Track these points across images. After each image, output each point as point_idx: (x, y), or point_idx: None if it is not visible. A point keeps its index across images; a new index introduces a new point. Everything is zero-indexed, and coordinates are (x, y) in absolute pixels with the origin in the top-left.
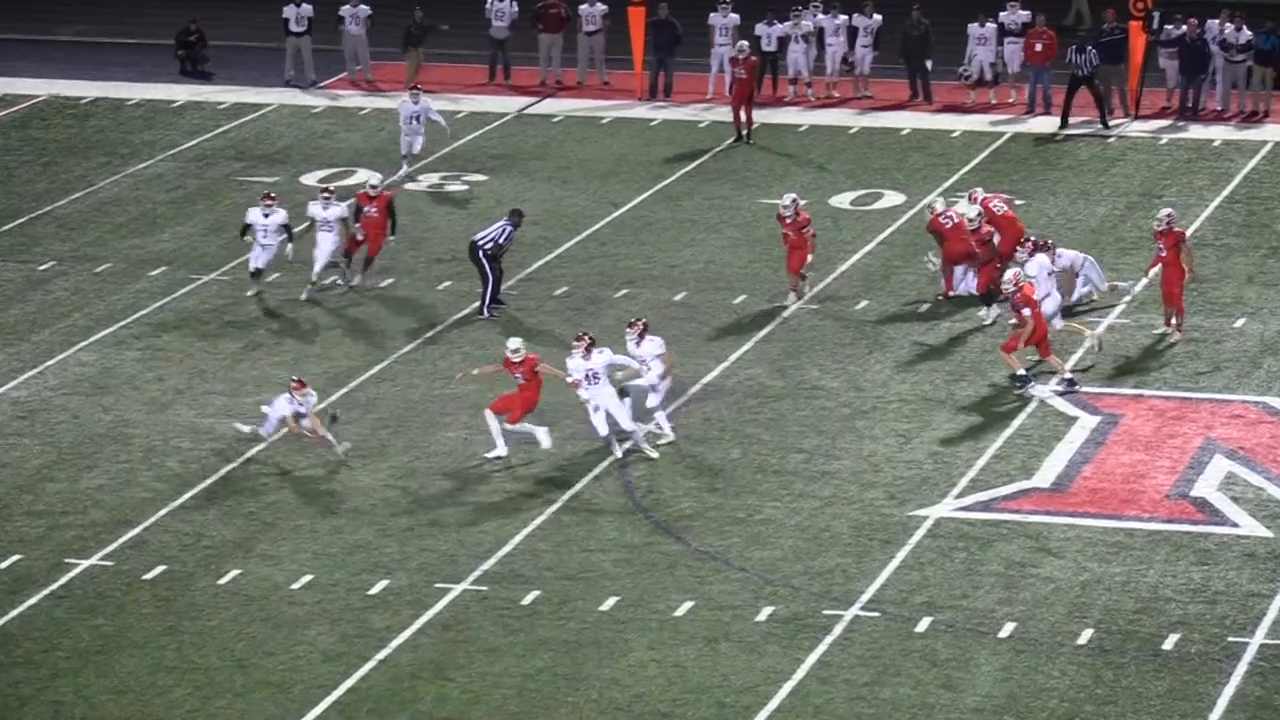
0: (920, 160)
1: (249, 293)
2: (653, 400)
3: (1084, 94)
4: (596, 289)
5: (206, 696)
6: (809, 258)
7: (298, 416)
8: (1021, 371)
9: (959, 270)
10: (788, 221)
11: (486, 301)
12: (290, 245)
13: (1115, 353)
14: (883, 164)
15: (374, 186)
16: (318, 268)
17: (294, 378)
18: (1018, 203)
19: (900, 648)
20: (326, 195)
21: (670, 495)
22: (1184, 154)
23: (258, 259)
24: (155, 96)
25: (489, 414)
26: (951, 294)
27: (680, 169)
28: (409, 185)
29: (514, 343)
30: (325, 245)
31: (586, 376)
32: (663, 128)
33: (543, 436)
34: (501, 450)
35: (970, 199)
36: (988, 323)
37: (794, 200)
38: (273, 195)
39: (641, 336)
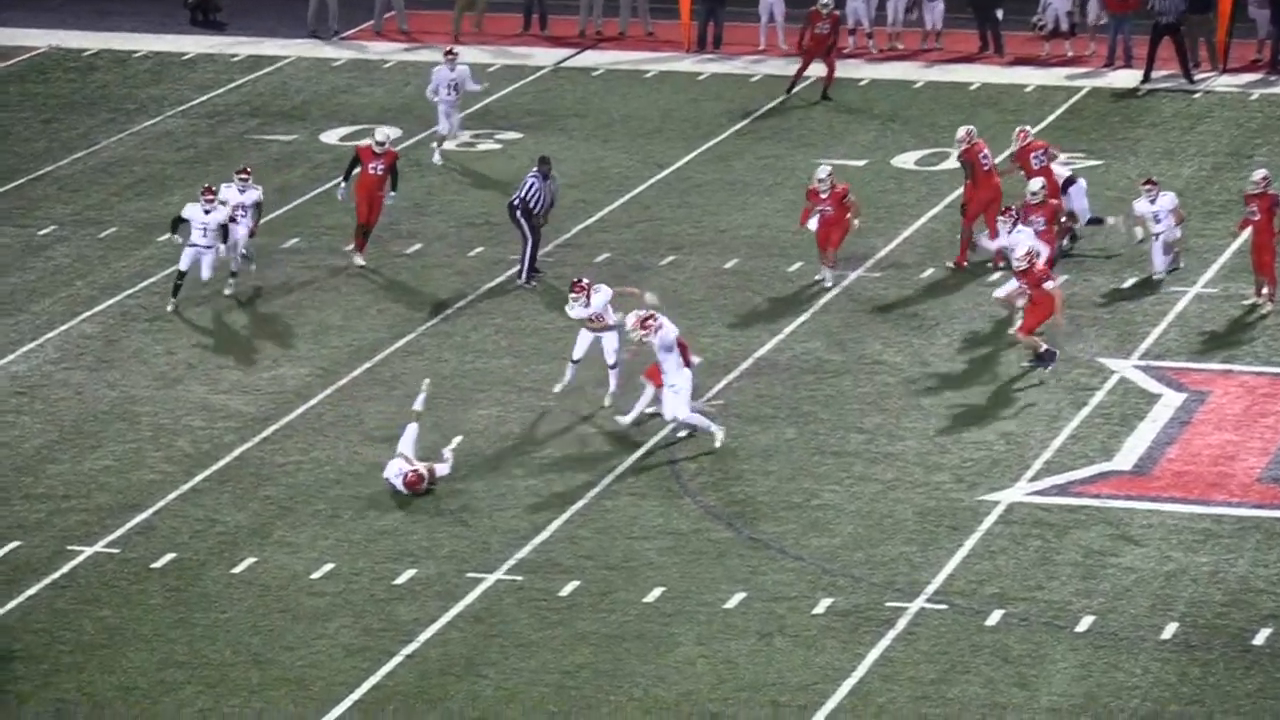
0: (991, 117)
1: (168, 307)
2: (610, 356)
3: (1168, 45)
4: (640, 256)
5: (220, 694)
6: (855, 222)
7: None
8: (1044, 348)
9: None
10: (823, 196)
11: (525, 267)
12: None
13: (1197, 325)
14: (950, 121)
15: (381, 143)
16: (235, 262)
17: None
18: (1093, 163)
19: (969, 643)
20: (244, 177)
21: (721, 478)
22: (1276, 110)
23: (190, 262)
24: (164, 49)
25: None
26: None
27: (730, 126)
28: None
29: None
30: (237, 234)
31: (592, 319)
32: (711, 82)
33: (717, 431)
34: (635, 415)
35: (1017, 136)
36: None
37: (829, 173)
38: (214, 189)
39: (589, 296)
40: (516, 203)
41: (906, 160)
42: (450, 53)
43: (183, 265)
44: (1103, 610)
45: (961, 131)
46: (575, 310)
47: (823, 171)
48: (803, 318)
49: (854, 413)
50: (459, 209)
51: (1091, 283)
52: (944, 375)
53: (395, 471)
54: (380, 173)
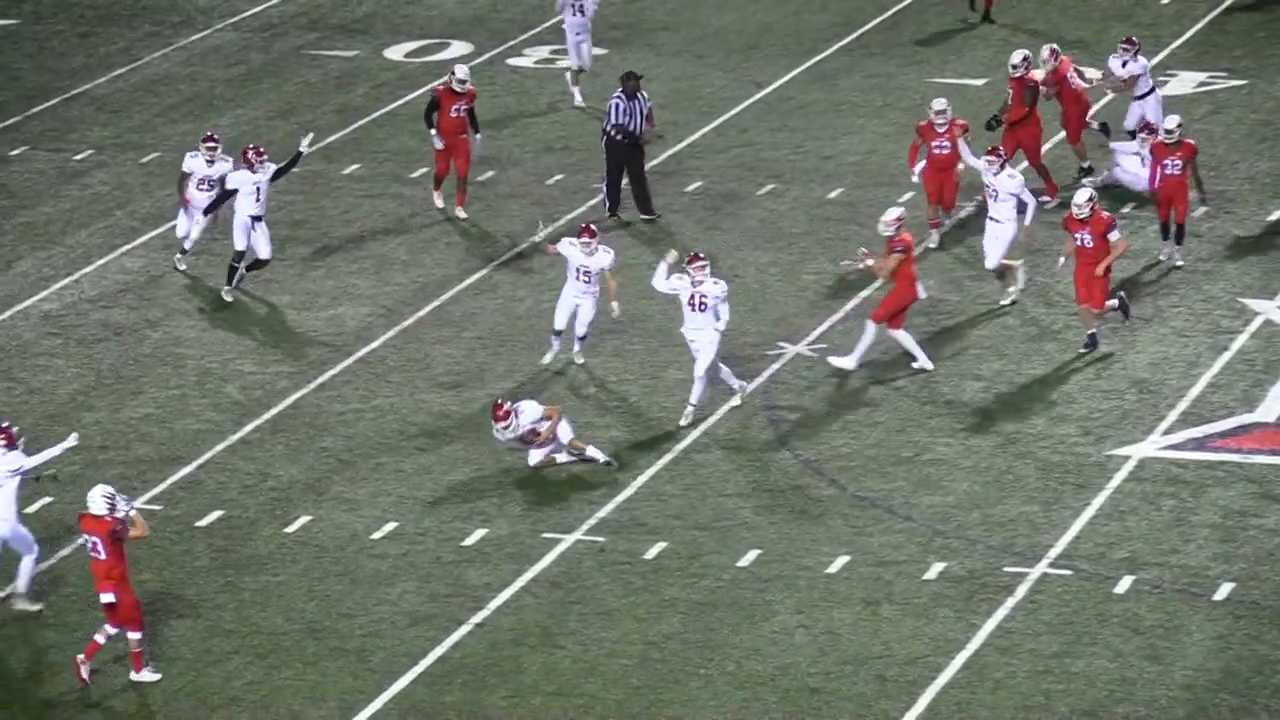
0: (1123, 31)
1: (180, 266)
2: (581, 328)
3: None
4: (736, 184)
5: (271, 666)
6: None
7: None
8: (1115, 300)
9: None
10: (940, 130)
11: (609, 205)
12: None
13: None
14: (1079, 35)
15: (462, 81)
16: (189, 241)
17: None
18: (1236, 83)
19: (1096, 612)
20: (211, 145)
21: (823, 430)
22: None
23: (189, 226)
24: None
25: (901, 334)
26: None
27: (836, 41)
28: (514, 60)
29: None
30: (198, 225)
31: (579, 273)
32: None
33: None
34: (926, 363)
35: (1050, 54)
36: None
37: (948, 105)
38: (215, 137)
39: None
40: (610, 130)
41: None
42: None
43: (238, 243)
44: (1243, 577)
45: (1018, 56)
46: (503, 435)
47: (940, 103)
48: (1048, 203)
49: (970, 358)
50: (536, 133)
51: (1234, 214)
52: (1071, 317)
53: (531, 418)
54: (463, 114)
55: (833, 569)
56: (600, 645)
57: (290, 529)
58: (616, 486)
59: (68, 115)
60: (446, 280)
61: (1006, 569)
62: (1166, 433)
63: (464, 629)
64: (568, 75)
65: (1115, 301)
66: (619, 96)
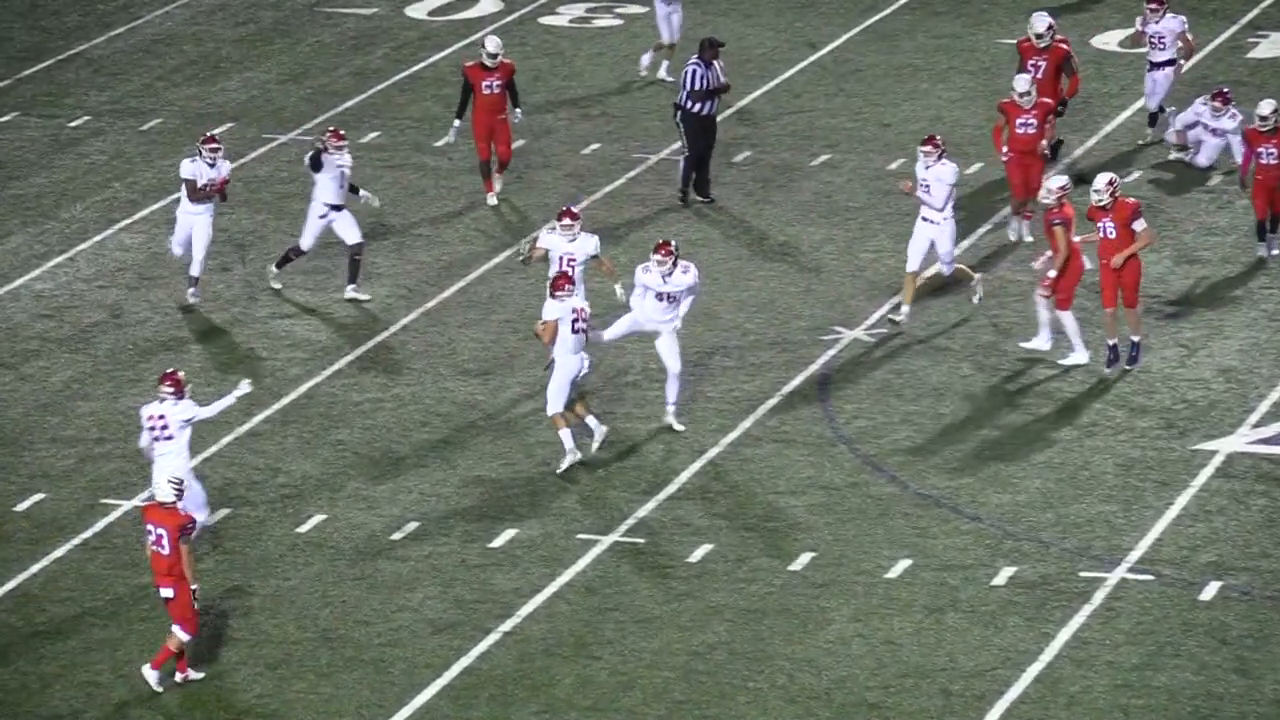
0: None
1: (193, 298)
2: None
3: None
4: (788, 155)
5: (282, 677)
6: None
7: None
8: (1111, 341)
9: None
10: (1026, 109)
11: (682, 182)
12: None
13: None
14: None
15: (494, 55)
16: (196, 265)
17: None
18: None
19: (1180, 621)
20: (213, 147)
21: (883, 421)
22: None
23: (183, 243)
24: None
25: (1066, 315)
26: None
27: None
28: (546, 19)
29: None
30: (203, 230)
31: (564, 263)
32: None
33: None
34: (1082, 355)
35: (1048, 29)
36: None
37: (1033, 80)
38: (216, 138)
39: (673, 265)
40: (685, 102)
41: (1108, 40)
42: None
43: (305, 243)
44: None
45: (1043, 25)
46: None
47: (1021, 81)
48: (984, 228)
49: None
50: (571, 98)
51: None
52: (1152, 300)
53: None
54: (497, 90)
55: (893, 573)
56: (640, 656)
57: (303, 529)
58: (658, 483)
59: (62, 78)
60: (473, 258)
61: (1082, 574)
62: (1256, 425)
63: (491, 638)
64: (647, 55)
65: (1112, 342)
66: (696, 63)
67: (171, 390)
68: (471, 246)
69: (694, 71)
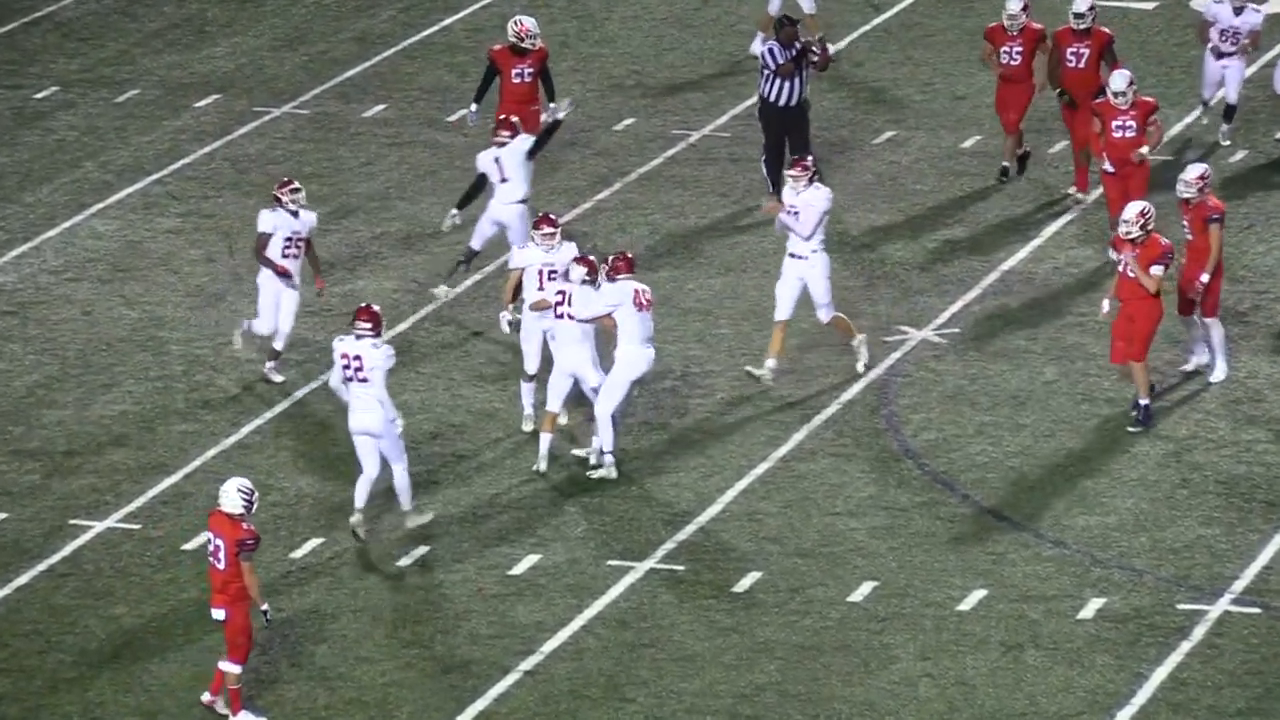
0: None
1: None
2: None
3: None
4: (847, 131)
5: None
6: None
7: None
8: (1143, 401)
9: None
10: (1125, 108)
11: (769, 184)
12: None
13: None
14: None
15: (533, 36)
16: (281, 339)
17: None
18: None
19: None
20: (295, 190)
21: (954, 434)
22: None
23: (270, 325)
24: None
25: (1214, 323)
26: None
27: None
28: None
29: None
30: (289, 304)
31: (543, 272)
32: None
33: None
34: (1223, 370)
35: (1023, 9)
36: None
37: (1130, 82)
38: (294, 182)
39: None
40: (770, 95)
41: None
42: None
43: (476, 243)
44: None
45: (1017, 5)
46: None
47: (1120, 80)
48: (1067, 217)
49: None
50: (602, 66)
51: None
52: (1258, 295)
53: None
54: (529, 79)
55: (966, 605)
56: (679, 698)
57: (297, 554)
58: (699, 503)
59: (27, 44)
60: (492, 249)
61: (1180, 606)
62: None
63: (510, 678)
64: (758, 41)
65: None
66: (771, 45)
67: (369, 327)
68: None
69: (770, 52)
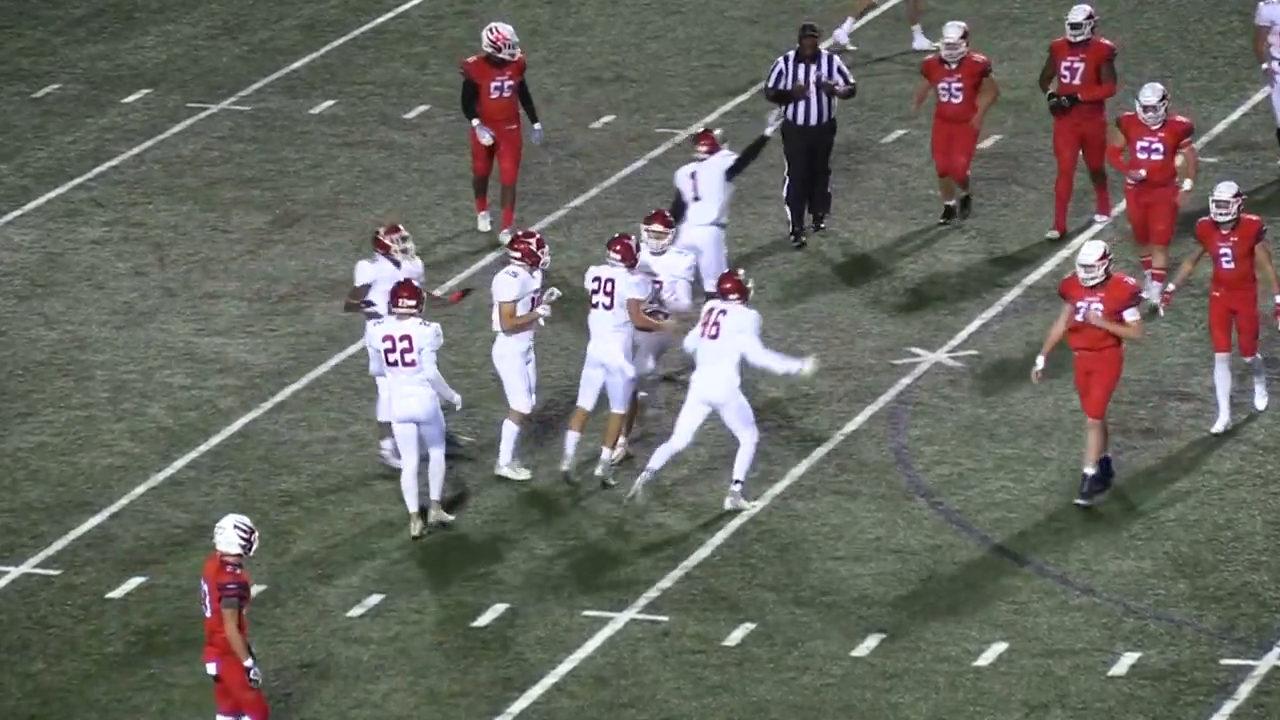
0: None
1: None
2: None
3: None
4: (853, 130)
5: None
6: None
7: None
8: (1089, 467)
9: None
10: (1154, 128)
11: (791, 217)
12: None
13: None
14: None
15: (512, 46)
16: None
17: None
18: None
19: None
20: (403, 237)
21: (971, 468)
22: None
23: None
24: None
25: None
26: None
27: None
28: None
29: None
30: (427, 381)
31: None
32: None
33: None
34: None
35: (962, 36)
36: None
37: (964, 33)
38: (401, 229)
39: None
40: (792, 114)
41: None
42: None
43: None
44: None
45: (956, 33)
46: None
47: (1152, 93)
48: (1098, 226)
49: (1174, 371)
50: (577, 57)
51: None
52: None
53: None
54: (508, 95)
55: (984, 660)
56: None
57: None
58: (688, 546)
59: None
60: (452, 261)
61: (1224, 661)
62: None
63: None
64: (845, 25)
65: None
66: (785, 58)
67: (413, 305)
68: (451, 246)
69: (774, 67)
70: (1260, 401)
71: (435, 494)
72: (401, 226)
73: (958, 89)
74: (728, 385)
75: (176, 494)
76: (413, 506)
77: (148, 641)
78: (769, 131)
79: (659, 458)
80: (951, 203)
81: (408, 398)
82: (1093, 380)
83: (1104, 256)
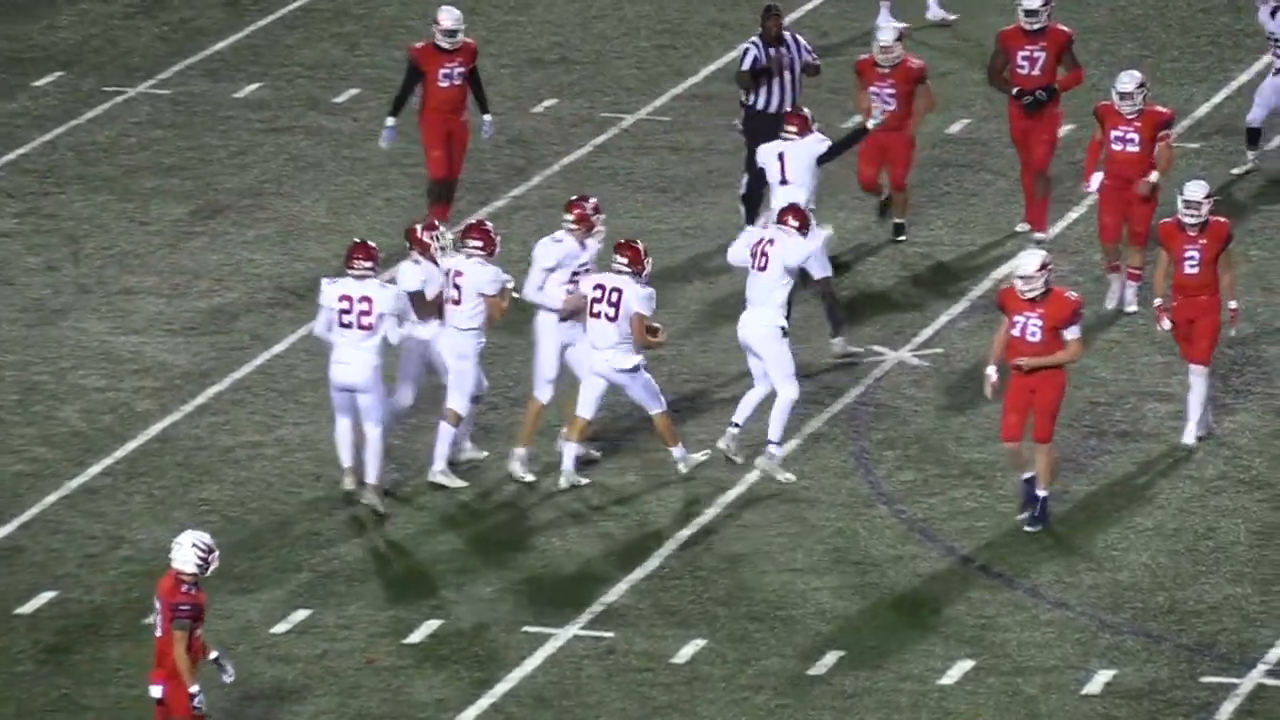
0: None
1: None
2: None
3: None
4: (808, 113)
5: None
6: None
7: None
8: (1042, 492)
9: None
10: (1130, 117)
11: (743, 204)
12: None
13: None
14: None
15: (452, 32)
16: (405, 399)
17: None
18: None
19: None
20: (441, 233)
21: (937, 475)
22: None
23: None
24: None
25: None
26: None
27: None
28: None
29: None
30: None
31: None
32: None
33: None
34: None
35: (897, 39)
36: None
37: (899, 35)
38: (435, 224)
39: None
40: (758, 101)
41: None
42: None
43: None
44: None
45: (890, 35)
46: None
47: (1129, 80)
48: (1073, 215)
49: (1152, 370)
50: (517, 38)
51: None
52: None
53: None
54: (458, 83)
55: (949, 679)
56: None
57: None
58: (633, 558)
59: None
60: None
61: (1205, 678)
62: None
63: None
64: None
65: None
66: (754, 42)
67: (369, 266)
68: (384, 237)
69: (751, 55)
70: (1189, 436)
71: (372, 477)
72: (437, 222)
73: (890, 94)
74: (768, 326)
75: (90, 503)
76: (346, 462)
77: (59, 660)
78: (872, 123)
79: (742, 411)
80: (884, 197)
81: (349, 363)
82: (1036, 399)
83: (1043, 267)
